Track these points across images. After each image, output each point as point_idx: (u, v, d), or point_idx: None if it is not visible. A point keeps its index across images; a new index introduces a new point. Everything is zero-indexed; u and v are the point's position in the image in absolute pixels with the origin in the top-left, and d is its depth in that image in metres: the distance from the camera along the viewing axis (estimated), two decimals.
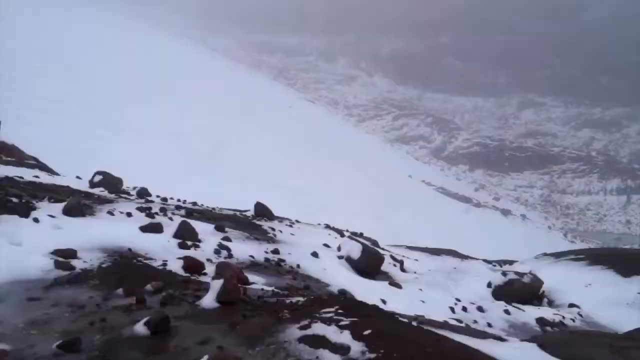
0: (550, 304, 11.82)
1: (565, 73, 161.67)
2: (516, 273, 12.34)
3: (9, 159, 13.36)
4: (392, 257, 12.94)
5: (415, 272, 12.47)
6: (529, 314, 10.09)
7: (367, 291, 8.88)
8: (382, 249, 13.96)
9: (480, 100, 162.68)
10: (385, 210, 46.23)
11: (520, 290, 11.58)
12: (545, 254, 17.72)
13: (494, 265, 16.09)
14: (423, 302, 9.57)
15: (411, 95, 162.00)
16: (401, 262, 12.78)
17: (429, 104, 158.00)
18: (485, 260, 16.76)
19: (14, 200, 7.80)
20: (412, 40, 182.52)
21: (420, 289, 10.55)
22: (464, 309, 9.85)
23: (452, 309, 9.65)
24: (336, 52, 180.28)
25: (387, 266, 11.86)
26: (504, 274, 12.14)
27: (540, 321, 9.71)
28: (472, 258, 17.13)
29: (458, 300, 10.39)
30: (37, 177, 11.24)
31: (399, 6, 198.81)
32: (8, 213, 7.02)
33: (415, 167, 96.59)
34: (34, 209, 7.64)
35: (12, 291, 4.97)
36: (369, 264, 10.93)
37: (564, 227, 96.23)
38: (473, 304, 10.32)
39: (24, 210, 7.35)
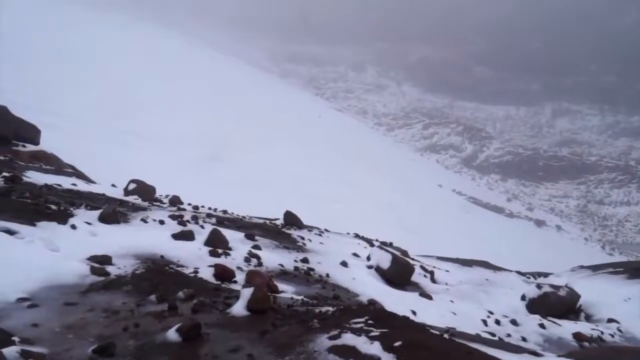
0: (588, 318, 11.41)
1: (602, 80, 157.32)
2: (551, 286, 11.98)
3: (49, 167, 13.80)
4: (423, 268, 12.75)
5: (446, 284, 12.25)
6: (566, 328, 9.76)
7: (397, 302, 8.76)
8: (412, 259, 13.78)
9: (512, 108, 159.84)
10: (415, 219, 45.73)
11: (556, 304, 11.23)
12: (582, 267, 17.15)
13: (528, 278, 15.67)
14: (454, 314, 9.38)
15: (441, 104, 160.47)
16: (432, 273, 12.58)
17: (459, 112, 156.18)
18: (518, 272, 16.33)
19: (53, 207, 8.04)
20: (442, 49, 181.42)
21: (452, 301, 10.35)
22: (497, 322, 9.60)
23: (485, 322, 9.42)
24: (365, 62, 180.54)
25: (418, 277, 11.69)
26: (539, 286, 11.80)
27: (577, 336, 9.37)
28: (504, 270, 16.72)
29: (491, 312, 10.14)
30: (74, 185, 11.57)
31: (428, 15, 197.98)
32: (47, 220, 7.25)
33: (446, 176, 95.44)
34: (72, 216, 7.85)
35: (50, 296, 5.11)
36: (398, 274, 10.80)
37: (601, 238, 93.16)
38: (506, 317, 10.06)
39: (62, 217, 7.58)
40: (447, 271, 14.11)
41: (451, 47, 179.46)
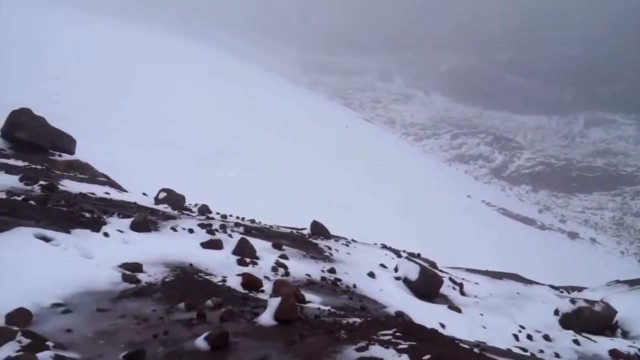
0: (625, 335, 10.99)
1: (638, 89, 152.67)
2: (586, 301, 11.61)
3: (83, 176, 14.20)
4: (451, 280, 12.55)
5: (475, 296, 12.01)
6: (601, 345, 9.42)
7: (425, 314, 8.64)
8: (441, 270, 13.57)
9: (544, 118, 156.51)
10: (443, 231, 45.09)
11: (590, 320, 10.86)
12: (618, 281, 16.57)
13: (561, 292, 15.23)
14: (484, 327, 9.18)
15: (470, 114, 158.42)
16: (461, 285, 12.36)
17: (489, 122, 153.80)
18: (551, 286, 15.89)
19: (87, 215, 8.26)
20: (471, 57, 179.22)
21: (481, 314, 10.14)
22: (529, 337, 9.35)
23: (516, 337, 9.19)
24: (393, 71, 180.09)
25: (446, 289, 11.50)
26: (573, 301, 11.46)
27: (614, 354, 9.04)
28: (536, 283, 16.30)
29: (522, 327, 9.88)
30: (107, 193, 11.86)
31: (456, 23, 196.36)
32: (81, 227, 7.45)
33: (475, 187, 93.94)
34: (105, 223, 8.05)
35: (83, 302, 5.24)
36: (427, 286, 10.65)
37: (638, 252, 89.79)
38: (539, 332, 9.78)
39: (95, 225, 7.77)
40: (477, 284, 13.84)
41: (481, 56, 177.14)
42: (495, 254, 40.27)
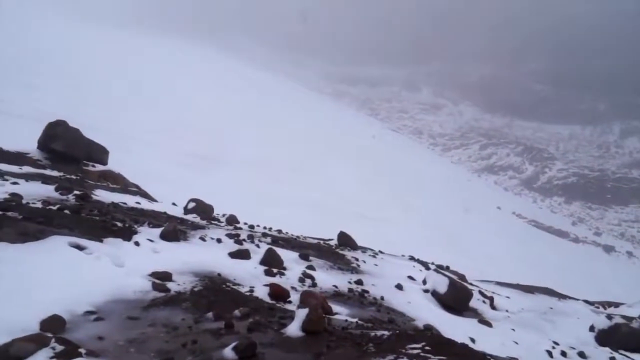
0: None
1: None
2: (623, 317, 11.19)
3: (115, 186, 14.53)
4: (481, 293, 12.28)
5: (506, 311, 11.71)
6: None
7: (454, 328, 8.47)
8: (470, 283, 13.30)
9: (577, 128, 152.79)
10: (473, 243, 44.28)
11: (628, 336, 10.46)
12: None
13: (597, 307, 14.73)
14: (516, 343, 8.93)
15: (500, 124, 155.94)
16: (491, 299, 12.08)
17: (519, 132, 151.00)
18: (586, 301, 15.39)
19: (119, 224, 8.43)
20: (500, 67, 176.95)
21: (513, 329, 9.88)
22: (563, 353, 9.04)
23: (550, 353, 8.90)
24: (420, 82, 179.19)
25: (476, 302, 11.26)
26: (609, 317, 11.06)
27: None
28: (570, 298, 15.81)
29: (556, 343, 9.57)
30: (138, 203, 12.09)
31: (484, 32, 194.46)
32: (113, 236, 7.60)
33: (505, 199, 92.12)
34: (136, 233, 8.20)
35: (114, 310, 5.33)
36: (456, 299, 10.45)
37: None
38: (573, 348, 9.46)
39: (127, 234, 7.93)
40: (508, 297, 13.52)
41: (510, 65, 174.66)
42: (526, 268, 39.29)
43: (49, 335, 4.25)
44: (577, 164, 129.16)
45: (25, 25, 56.31)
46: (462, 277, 13.94)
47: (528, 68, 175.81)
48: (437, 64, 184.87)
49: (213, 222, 12.32)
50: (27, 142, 15.07)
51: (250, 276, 7.72)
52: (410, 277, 11.50)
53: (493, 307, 11.66)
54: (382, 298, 8.87)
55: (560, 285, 20.59)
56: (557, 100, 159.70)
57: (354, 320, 6.52)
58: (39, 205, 8.37)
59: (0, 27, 49.69)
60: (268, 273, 8.18)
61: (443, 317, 9.37)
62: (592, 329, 10.82)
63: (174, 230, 8.75)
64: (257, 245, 9.87)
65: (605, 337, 10.39)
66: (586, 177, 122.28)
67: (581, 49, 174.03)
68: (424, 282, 11.01)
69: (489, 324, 9.78)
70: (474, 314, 10.62)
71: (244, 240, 10.04)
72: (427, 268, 13.66)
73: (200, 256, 7.95)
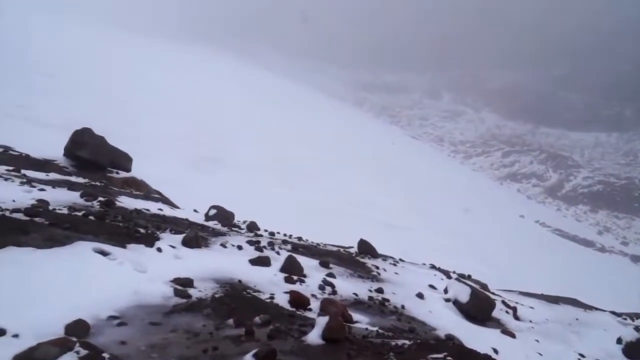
0: None
1: None
2: None
3: (138, 192, 14.75)
4: (504, 303, 12.07)
5: (530, 321, 11.48)
6: None
7: (476, 338, 8.33)
8: (493, 293, 13.08)
9: (603, 135, 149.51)
10: (495, 252, 43.62)
11: None
12: None
13: (625, 319, 14.31)
14: (540, 354, 8.75)
15: (522, 131, 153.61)
16: (514, 309, 11.86)
17: (542, 139, 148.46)
18: (613, 313, 14.97)
19: (142, 230, 8.55)
20: (522, 73, 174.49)
21: (537, 340, 9.67)
22: None
23: None
24: (441, 88, 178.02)
25: (499, 312, 11.06)
26: (637, 329, 10.75)
27: None
28: (596, 309, 15.41)
29: (582, 355, 9.35)
30: (160, 209, 12.24)
31: (506, 38, 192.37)
32: (136, 242, 7.71)
33: (528, 207, 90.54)
34: (158, 239, 8.30)
35: (137, 315, 5.40)
36: (478, 308, 10.28)
37: None
38: None
39: (149, 241, 8.03)
40: (532, 308, 13.25)
41: (533, 71, 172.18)
42: (550, 277, 38.50)
43: (74, 339, 4.31)
44: (603, 172, 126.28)
45: (49, 33, 57.90)
46: (484, 287, 13.73)
47: (551, 74, 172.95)
48: (458, 70, 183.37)
49: (234, 228, 12.40)
50: (54, 149, 15.42)
51: (270, 283, 7.74)
52: (431, 286, 11.38)
53: (516, 318, 11.44)
54: (402, 307, 8.79)
55: (586, 295, 20.09)
56: (581, 106, 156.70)
57: (375, 329, 6.47)
58: (65, 211, 8.55)
59: (26, 36, 51.11)
60: (288, 280, 8.18)
61: (465, 327, 9.22)
62: (619, 341, 10.53)
63: (196, 237, 8.84)
64: (278, 253, 9.90)
65: (633, 350, 10.10)
66: (612, 185, 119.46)
67: (607, 53, 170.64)
68: (445, 291, 10.87)
69: (512, 335, 9.59)
70: (497, 324, 10.43)
71: (264, 247, 10.08)
72: (449, 277, 13.49)
73: (221, 263, 8.00)
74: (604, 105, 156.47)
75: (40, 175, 12.07)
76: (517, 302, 13.03)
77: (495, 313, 10.81)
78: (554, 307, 14.08)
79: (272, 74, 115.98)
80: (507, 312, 11.50)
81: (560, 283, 34.26)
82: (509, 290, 16.42)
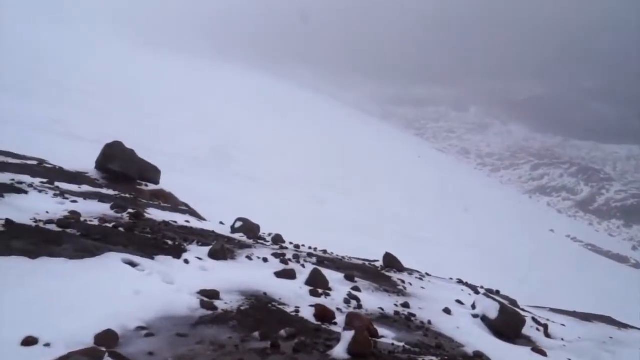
0: None
1: None
2: None
3: (166, 204, 14.98)
4: (535, 320, 11.74)
5: (562, 339, 11.13)
6: None
7: (505, 356, 8.11)
8: (522, 309, 12.76)
9: (635, 147, 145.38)
10: (523, 267, 42.63)
11: None
12: None
13: None
14: None
15: (552, 143, 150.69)
16: (545, 326, 11.52)
17: (573, 152, 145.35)
18: None
19: (169, 242, 8.68)
20: (551, 85, 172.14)
21: (569, 359, 9.36)
22: None
23: None
24: (467, 101, 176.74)
25: (529, 329, 10.76)
26: None
27: None
28: (632, 327, 14.85)
29: None
30: (188, 222, 12.39)
31: (535, 50, 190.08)
32: (164, 254, 7.82)
33: (559, 221, 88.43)
34: (185, 251, 8.40)
35: (164, 326, 5.45)
36: (508, 325, 10.01)
37: None
38: None
39: (176, 252, 8.14)
40: (563, 325, 12.85)
41: (562, 83, 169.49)
42: (583, 294, 37.35)
43: (103, 349, 4.38)
44: (637, 185, 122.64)
45: (88, 50, 59.89)
46: (514, 303, 13.42)
47: (581, 85, 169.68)
48: (485, 83, 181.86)
49: (259, 241, 12.45)
50: (86, 162, 15.85)
51: (295, 296, 7.72)
52: (459, 301, 11.16)
53: (547, 335, 11.10)
54: (429, 322, 8.64)
55: (621, 313, 19.40)
56: (613, 118, 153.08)
57: (401, 344, 6.38)
58: (96, 222, 8.75)
59: (65, 54, 52.99)
60: (313, 293, 8.15)
61: (494, 344, 9.00)
62: None
63: (222, 249, 8.91)
64: (303, 265, 9.89)
65: None
66: None
67: (638, 64, 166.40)
68: (473, 306, 10.65)
69: (543, 353, 9.30)
70: (527, 341, 10.14)
71: (289, 260, 10.08)
72: (476, 292, 13.23)
73: (247, 275, 8.03)
74: (637, 117, 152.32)
75: (73, 187, 12.38)
76: (548, 319, 12.67)
77: (526, 330, 10.52)
78: (587, 325, 13.63)
79: (301, 89, 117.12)
80: (537, 329, 11.18)
81: (593, 300, 33.22)
82: (540, 307, 15.99)
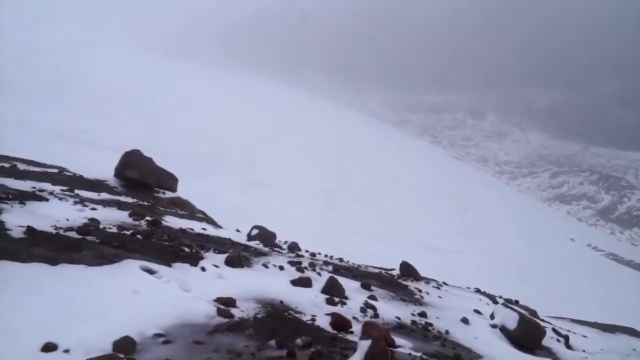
0: None
1: None
2: None
3: (183, 212, 15.11)
4: (555, 331, 11.51)
5: (583, 351, 10.89)
6: None
7: None
8: (542, 320, 12.53)
9: None
10: (543, 276, 41.91)
11: None
12: None
13: None
14: None
15: (571, 151, 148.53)
16: (566, 338, 11.28)
17: (593, 159, 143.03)
18: None
19: (186, 250, 8.73)
20: (571, 92, 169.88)
21: None
22: None
23: None
24: (485, 108, 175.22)
25: (549, 340, 10.55)
26: None
27: None
28: None
29: None
30: (204, 229, 12.48)
31: (553, 56, 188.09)
32: (181, 261, 7.87)
33: (579, 230, 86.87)
34: (202, 258, 8.45)
35: (181, 333, 5.47)
36: (527, 336, 9.83)
37: None
38: None
39: (193, 260, 8.18)
40: (585, 337, 12.58)
41: (581, 90, 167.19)
42: (605, 305, 36.52)
43: (121, 356, 4.41)
44: None
45: (110, 62, 61.04)
46: (533, 313, 13.18)
47: (601, 91, 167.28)
48: (502, 90, 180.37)
49: (275, 249, 12.47)
50: (106, 170, 16.09)
51: (311, 304, 7.69)
52: (477, 311, 11.00)
53: (568, 347, 10.87)
54: (446, 332, 8.54)
55: None
56: (634, 124, 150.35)
57: (418, 354, 6.31)
58: (114, 230, 8.85)
59: (86, 64, 54.04)
60: (329, 302, 8.11)
61: (513, 354, 8.84)
62: None
63: (238, 256, 8.94)
64: (319, 274, 9.86)
65: None
66: None
67: None
68: (492, 316, 10.48)
69: None
70: (547, 353, 9.94)
71: (305, 268, 10.07)
72: (495, 302, 13.03)
73: (263, 283, 8.03)
74: None
75: (92, 195, 12.56)
76: (568, 330, 12.42)
77: (546, 341, 10.31)
78: (609, 337, 13.33)
79: (316, 96, 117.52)
80: (558, 340, 10.96)
81: (615, 311, 32.45)
82: (560, 318, 15.69)
